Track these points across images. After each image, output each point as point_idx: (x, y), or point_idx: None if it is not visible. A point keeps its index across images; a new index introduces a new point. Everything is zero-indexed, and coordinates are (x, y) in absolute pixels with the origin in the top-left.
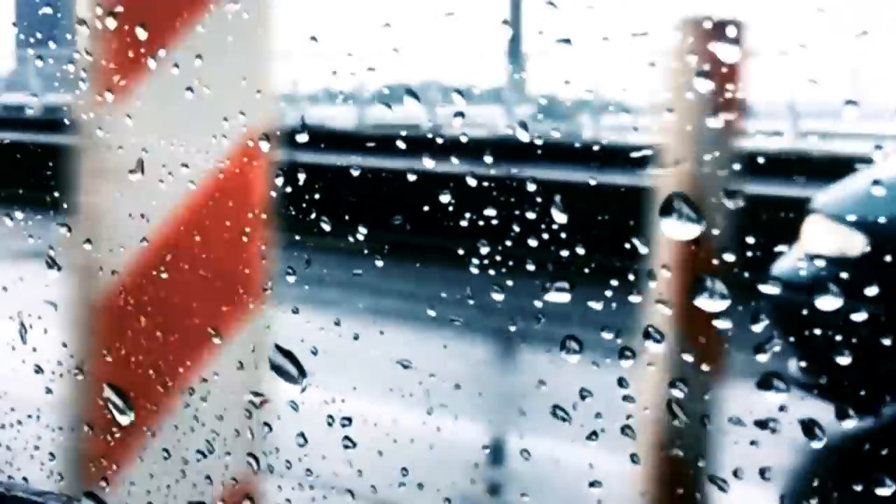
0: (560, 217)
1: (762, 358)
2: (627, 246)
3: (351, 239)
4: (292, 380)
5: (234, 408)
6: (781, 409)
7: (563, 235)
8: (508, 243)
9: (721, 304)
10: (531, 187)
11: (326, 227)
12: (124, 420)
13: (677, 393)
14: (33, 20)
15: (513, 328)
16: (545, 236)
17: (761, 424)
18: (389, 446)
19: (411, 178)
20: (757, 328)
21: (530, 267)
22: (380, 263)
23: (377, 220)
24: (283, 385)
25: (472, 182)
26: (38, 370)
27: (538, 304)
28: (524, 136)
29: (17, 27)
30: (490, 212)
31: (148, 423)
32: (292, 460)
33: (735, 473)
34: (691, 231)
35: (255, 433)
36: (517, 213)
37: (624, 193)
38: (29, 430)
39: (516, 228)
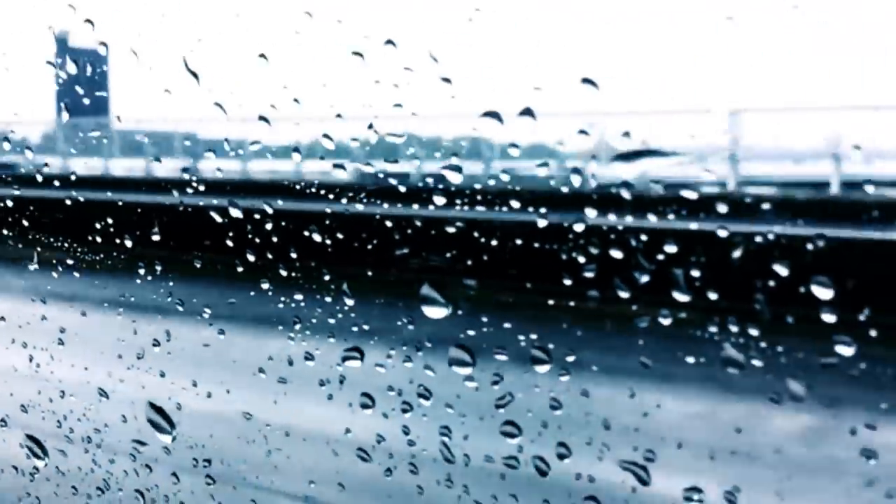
0: None
1: None
2: None
3: None
4: (165, 431)
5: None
6: None
7: None
8: None
9: None
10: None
11: None
12: (40, 463)
13: None
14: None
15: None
16: None
17: None
18: (240, 482)
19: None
20: None
21: None
22: None
23: None
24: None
25: None
26: None
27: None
28: None
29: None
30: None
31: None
32: (169, 495)
33: None
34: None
35: (140, 473)
36: None
37: None
38: None
39: None
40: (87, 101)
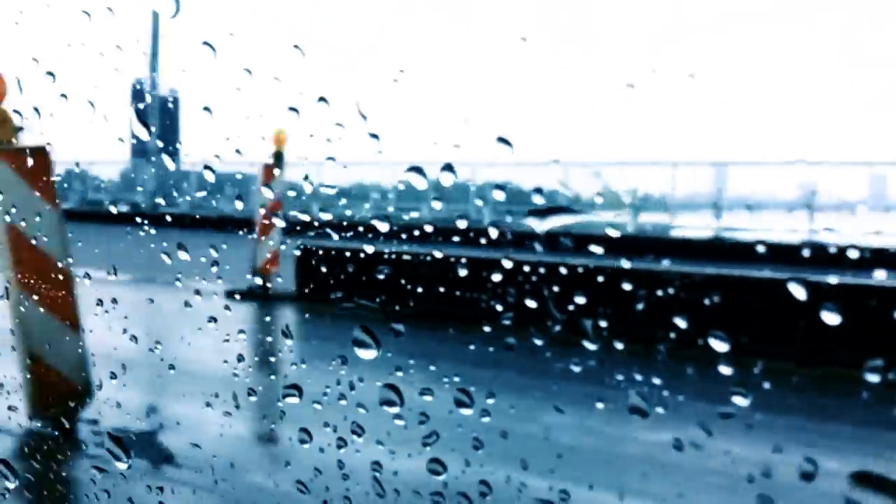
0: None
1: None
2: None
3: None
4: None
5: None
6: None
7: None
8: None
9: None
10: None
11: None
12: None
13: None
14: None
15: None
16: None
17: None
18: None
19: None
20: None
21: None
22: None
23: None
24: None
25: None
26: None
27: None
28: None
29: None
30: None
31: None
32: None
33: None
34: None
35: None
36: None
37: None
38: None
39: None
40: (158, 144)
